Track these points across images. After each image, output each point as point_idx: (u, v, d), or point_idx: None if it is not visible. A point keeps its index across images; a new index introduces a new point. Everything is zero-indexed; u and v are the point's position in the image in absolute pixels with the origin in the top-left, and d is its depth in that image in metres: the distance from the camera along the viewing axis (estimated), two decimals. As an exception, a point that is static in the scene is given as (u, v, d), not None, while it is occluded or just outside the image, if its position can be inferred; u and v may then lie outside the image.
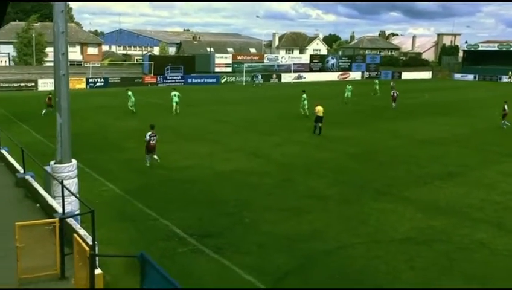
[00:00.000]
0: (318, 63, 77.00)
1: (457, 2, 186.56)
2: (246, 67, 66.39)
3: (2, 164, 16.41)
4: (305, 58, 77.82)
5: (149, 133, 19.65)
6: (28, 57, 67.54)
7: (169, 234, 12.84)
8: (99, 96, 45.85)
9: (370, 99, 46.38)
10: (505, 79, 76.86)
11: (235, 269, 10.94)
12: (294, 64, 72.92)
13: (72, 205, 11.80)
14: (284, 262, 11.32)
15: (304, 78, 72.07)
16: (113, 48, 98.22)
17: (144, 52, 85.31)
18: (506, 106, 30.92)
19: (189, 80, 61.86)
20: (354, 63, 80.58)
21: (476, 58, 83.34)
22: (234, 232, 13.06)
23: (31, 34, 66.92)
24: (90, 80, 55.00)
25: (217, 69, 67.23)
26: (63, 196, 10.58)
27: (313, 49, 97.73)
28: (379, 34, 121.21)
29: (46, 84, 49.48)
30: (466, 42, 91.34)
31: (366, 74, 79.45)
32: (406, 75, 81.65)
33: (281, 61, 73.94)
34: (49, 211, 11.53)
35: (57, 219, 9.24)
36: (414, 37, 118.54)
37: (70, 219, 10.14)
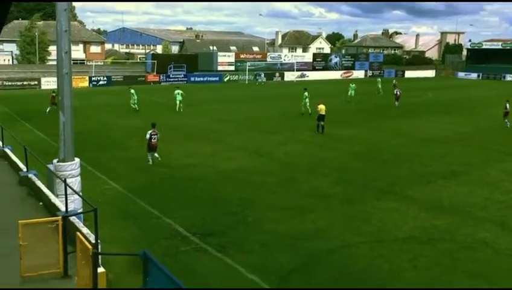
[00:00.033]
0: (321, 61, 76.87)
1: (461, 2, 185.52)
2: (248, 66, 66.36)
3: (5, 163, 16.44)
4: (308, 57, 77.71)
5: (150, 132, 19.67)
6: (31, 55, 67.68)
7: (172, 233, 12.84)
8: (102, 94, 45.91)
9: (373, 97, 46.29)
10: (509, 78, 76.59)
11: (238, 267, 10.94)
12: (297, 62, 72.82)
13: (75, 203, 11.82)
14: (287, 261, 11.31)
15: (307, 76, 71.96)
16: (116, 47, 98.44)
17: (147, 51, 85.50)
18: (507, 105, 30.81)
19: (192, 79, 61.86)
20: (357, 61, 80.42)
21: (479, 57, 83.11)
22: (237, 231, 13.05)
23: (34, 33, 67.04)
24: (93, 79, 55.04)
25: (219, 68, 67.18)
26: (66, 195, 10.59)
27: (316, 48, 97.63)
28: (382, 33, 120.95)
29: (49, 83, 49.56)
30: (470, 40, 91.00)
31: (370, 73, 79.26)
32: (409, 74, 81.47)
33: (284, 60, 73.83)
34: (52, 209, 11.54)
35: (60, 217, 9.25)
36: (417, 35, 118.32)
37: (73, 217, 10.15)
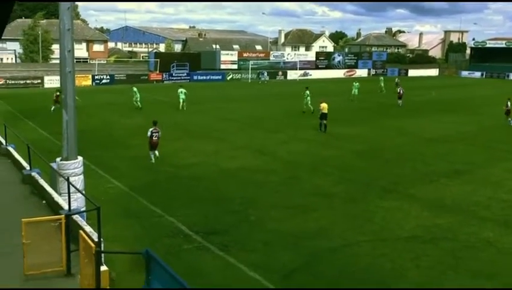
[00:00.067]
0: (324, 60, 76.79)
1: (465, 2, 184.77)
2: (251, 65, 66.35)
3: (9, 161, 16.50)
4: (311, 56, 77.56)
5: (151, 129, 19.71)
6: (34, 54, 67.75)
7: (174, 231, 12.85)
8: (105, 93, 45.97)
9: (376, 96, 46.21)
10: (512, 76, 76.41)
11: (241, 266, 10.94)
12: (300, 61, 72.78)
13: (78, 201, 11.83)
14: (289, 260, 11.31)
15: (310, 75, 71.88)
16: (119, 45, 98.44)
17: (150, 49, 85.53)
18: (509, 103, 30.71)
19: (195, 77, 61.86)
20: (361, 60, 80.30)
21: (483, 56, 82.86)
22: (240, 230, 13.05)
23: (37, 31, 67.11)
24: (96, 77, 55.15)
25: (222, 66, 67.19)
26: (69, 193, 10.61)
27: (319, 46, 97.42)
28: (385, 31, 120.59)
29: (52, 81, 49.64)
30: (473, 39, 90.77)
31: (373, 71, 79.15)
32: (412, 72, 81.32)
33: (287, 59, 73.78)
34: (55, 207, 11.57)
35: (63, 215, 9.27)
36: (421, 34, 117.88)
37: (76, 215, 10.18)
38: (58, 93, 30.46)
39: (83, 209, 11.62)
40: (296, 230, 13.05)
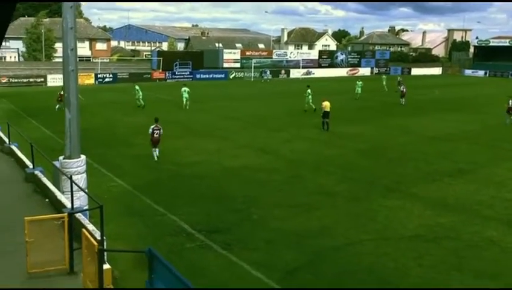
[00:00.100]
0: (327, 58, 76.72)
1: (468, 2, 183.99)
2: (254, 63, 66.32)
3: (12, 159, 16.52)
4: (314, 54, 77.54)
5: (152, 127, 19.77)
6: (37, 52, 67.87)
7: (177, 230, 12.86)
8: (107, 91, 46.01)
9: (379, 95, 46.11)
10: (516, 75, 76.13)
11: (243, 264, 10.94)
12: (303, 60, 72.73)
13: (81, 200, 11.85)
14: (292, 258, 11.30)
15: (313, 74, 71.81)
16: (122, 44, 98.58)
17: (153, 48, 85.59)
18: (511, 101, 30.60)
19: (198, 76, 61.86)
20: (364, 58, 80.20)
21: (486, 54, 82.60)
22: (242, 229, 13.05)
23: (40, 30, 67.22)
24: (99, 76, 55.21)
25: (225, 65, 67.19)
26: (71, 191, 10.63)
27: (322, 45, 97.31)
28: (389, 30, 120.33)
29: (55, 80, 49.73)
30: (477, 38, 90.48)
31: (376, 70, 79.01)
32: (415, 71, 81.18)
33: (290, 57, 73.74)
34: (58, 206, 11.58)
35: (65, 214, 9.28)
36: (424, 32, 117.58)
37: (79, 214, 10.18)
38: (62, 92, 30.50)
39: (86, 207, 11.64)
40: (299, 229, 13.04)
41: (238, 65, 67.92)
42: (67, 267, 9.01)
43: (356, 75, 73.36)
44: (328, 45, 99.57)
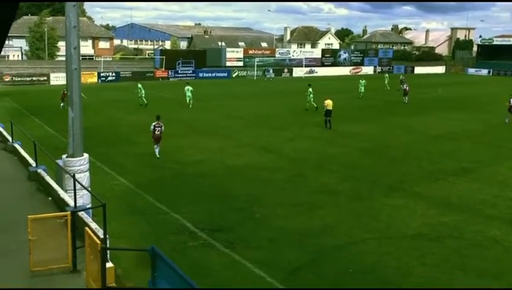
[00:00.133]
0: (330, 57, 76.62)
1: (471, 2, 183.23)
2: (257, 62, 66.25)
3: (15, 158, 16.56)
4: (316, 53, 77.43)
5: (154, 124, 19.83)
6: (40, 51, 67.99)
7: (179, 228, 12.87)
8: (110, 90, 46.05)
9: (382, 94, 46.02)
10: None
11: (246, 263, 10.93)
12: (306, 58, 72.64)
13: (84, 198, 11.87)
14: (295, 257, 11.29)
15: (316, 72, 71.76)
16: (125, 42, 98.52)
17: (156, 47, 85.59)
18: None
19: (201, 74, 61.88)
20: (367, 57, 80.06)
21: (490, 53, 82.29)
22: (245, 227, 13.05)
23: (43, 29, 67.32)
24: (101, 74, 55.28)
25: (228, 64, 67.19)
26: (74, 190, 10.65)
27: (325, 44, 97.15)
28: (392, 28, 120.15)
29: (58, 79, 49.79)
30: (480, 36, 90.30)
31: (379, 69, 78.85)
32: (419, 70, 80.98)
33: (293, 56, 73.67)
34: (61, 204, 11.61)
35: (68, 212, 9.30)
36: (427, 31, 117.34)
37: (82, 212, 10.20)
38: (65, 90, 30.55)
39: (89, 206, 11.66)
40: (302, 227, 13.03)
41: (241, 64, 67.90)
42: (70, 266, 9.03)
43: (359, 73, 73.25)
44: (331, 44, 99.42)
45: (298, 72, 69.58)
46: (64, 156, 12.86)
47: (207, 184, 16.80)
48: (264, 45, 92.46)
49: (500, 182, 17.79)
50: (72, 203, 10.95)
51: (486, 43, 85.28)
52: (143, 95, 34.67)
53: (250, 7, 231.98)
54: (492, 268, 11.01)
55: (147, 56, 79.80)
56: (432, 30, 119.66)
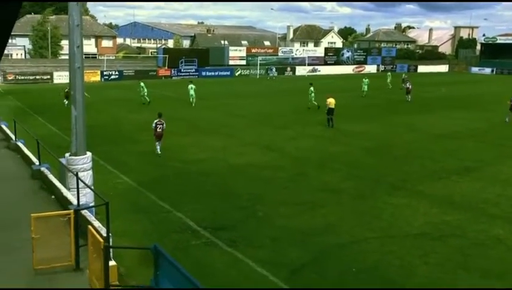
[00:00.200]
0: (333, 56, 76.48)
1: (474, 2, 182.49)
2: (260, 60, 66.16)
3: (18, 156, 16.61)
4: (319, 51, 77.31)
5: (156, 121, 19.97)
6: (43, 49, 68.05)
7: (182, 227, 12.88)
8: (113, 89, 46.10)
9: (385, 92, 45.93)
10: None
11: (249, 262, 10.94)
12: (308, 57, 72.50)
13: (87, 197, 11.90)
14: (297, 256, 11.29)
15: (319, 71, 71.66)
16: (128, 41, 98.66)
17: (158, 45, 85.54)
18: None
19: (204, 73, 61.88)
20: (370, 56, 79.87)
21: (493, 52, 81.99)
22: (248, 226, 13.05)
23: (47, 27, 67.38)
24: (104, 73, 55.31)
25: (231, 62, 67.12)
26: (77, 188, 10.66)
27: (328, 42, 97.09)
28: (395, 27, 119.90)
29: (61, 77, 49.85)
30: (484, 35, 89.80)
31: (382, 67, 78.67)
32: (422, 69, 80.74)
33: (296, 54, 73.56)
34: (64, 202, 11.63)
35: (71, 210, 9.32)
36: (431, 29, 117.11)
37: (85, 210, 10.23)
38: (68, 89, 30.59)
39: (92, 204, 11.68)
40: (304, 226, 13.03)
41: (243, 62, 67.81)
42: (73, 264, 9.05)
43: (362, 72, 73.08)
44: (334, 42, 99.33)
45: (301, 70, 69.49)
46: (67, 154, 12.89)
47: (210, 183, 16.82)
48: (267, 43, 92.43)
49: (503, 181, 17.74)
50: (75, 202, 10.97)
51: (490, 42, 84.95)
52: (145, 94, 34.76)
53: (253, 6, 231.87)
54: (496, 267, 10.99)
55: (149, 55, 79.72)
56: (435, 29, 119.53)
